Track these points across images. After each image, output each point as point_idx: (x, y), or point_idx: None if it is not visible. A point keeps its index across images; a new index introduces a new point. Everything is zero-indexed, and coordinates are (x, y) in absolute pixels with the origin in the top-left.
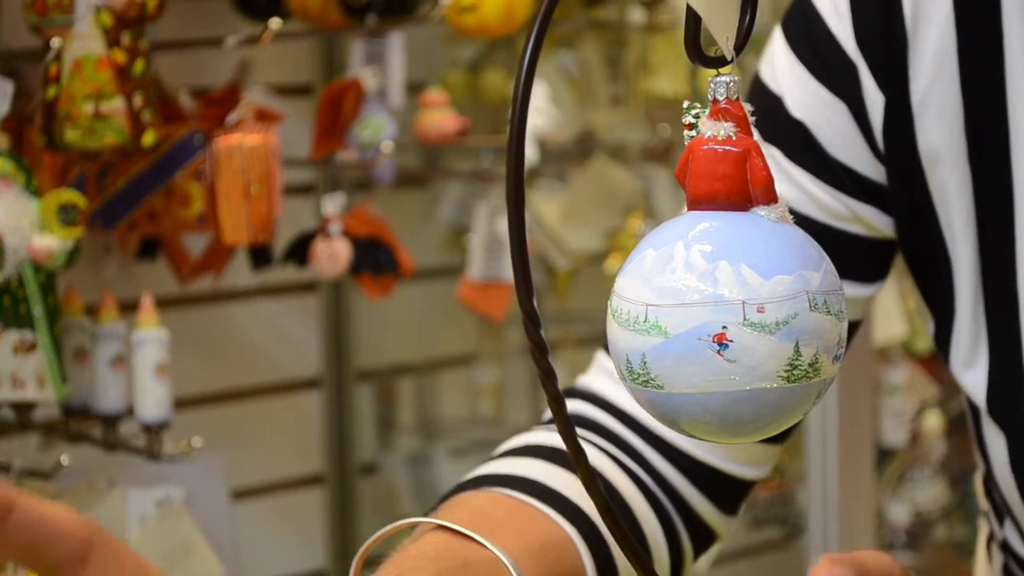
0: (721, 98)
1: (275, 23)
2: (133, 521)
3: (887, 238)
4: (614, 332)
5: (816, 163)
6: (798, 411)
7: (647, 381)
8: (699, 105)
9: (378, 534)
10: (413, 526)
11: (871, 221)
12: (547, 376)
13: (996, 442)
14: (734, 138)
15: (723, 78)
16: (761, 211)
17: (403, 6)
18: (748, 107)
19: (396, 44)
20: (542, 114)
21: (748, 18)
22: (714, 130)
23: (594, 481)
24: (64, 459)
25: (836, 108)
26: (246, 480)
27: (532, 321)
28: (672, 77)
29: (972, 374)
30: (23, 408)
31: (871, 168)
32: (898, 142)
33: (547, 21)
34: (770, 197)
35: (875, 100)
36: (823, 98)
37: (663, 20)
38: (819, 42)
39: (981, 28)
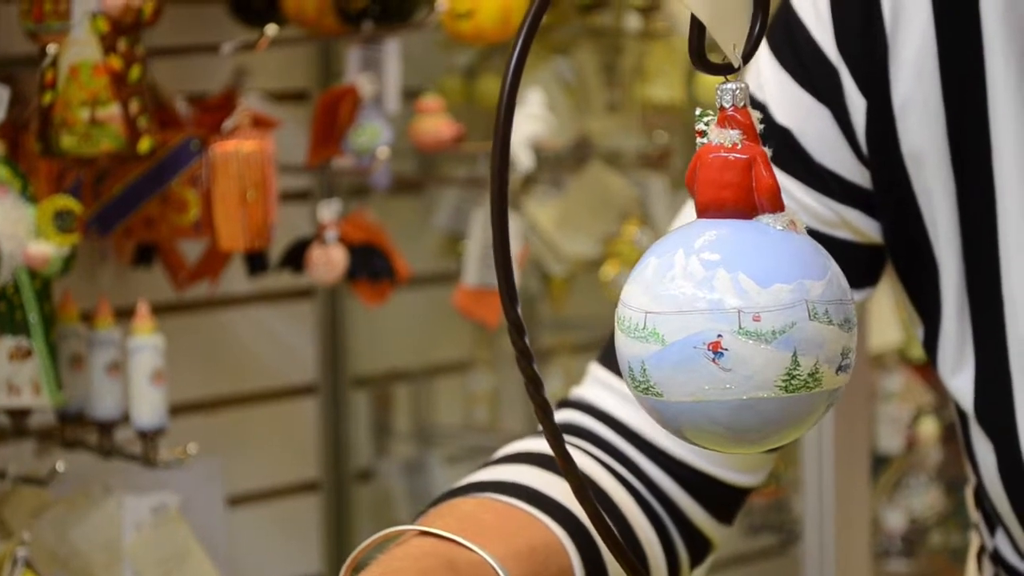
0: (728, 106)
1: (271, 29)
2: (128, 528)
3: (876, 243)
4: (619, 340)
5: (803, 169)
6: (803, 422)
7: (647, 389)
8: (712, 112)
9: (367, 542)
10: (403, 533)
11: (859, 226)
12: (533, 384)
13: (984, 450)
14: (740, 146)
15: (730, 85)
16: (767, 219)
17: (399, 12)
18: (756, 115)
19: (392, 50)
20: (538, 121)
21: (758, 25)
22: (721, 138)
23: (582, 486)
24: (60, 466)
25: (820, 114)
26: (242, 487)
27: (517, 329)
28: (668, 84)
29: (960, 379)
30: (19, 414)
31: (857, 173)
32: (881, 145)
33: (535, 26)
34: (776, 205)
35: (857, 104)
36: (807, 104)
37: (659, 27)
38: (801, 49)
39: (960, 30)
